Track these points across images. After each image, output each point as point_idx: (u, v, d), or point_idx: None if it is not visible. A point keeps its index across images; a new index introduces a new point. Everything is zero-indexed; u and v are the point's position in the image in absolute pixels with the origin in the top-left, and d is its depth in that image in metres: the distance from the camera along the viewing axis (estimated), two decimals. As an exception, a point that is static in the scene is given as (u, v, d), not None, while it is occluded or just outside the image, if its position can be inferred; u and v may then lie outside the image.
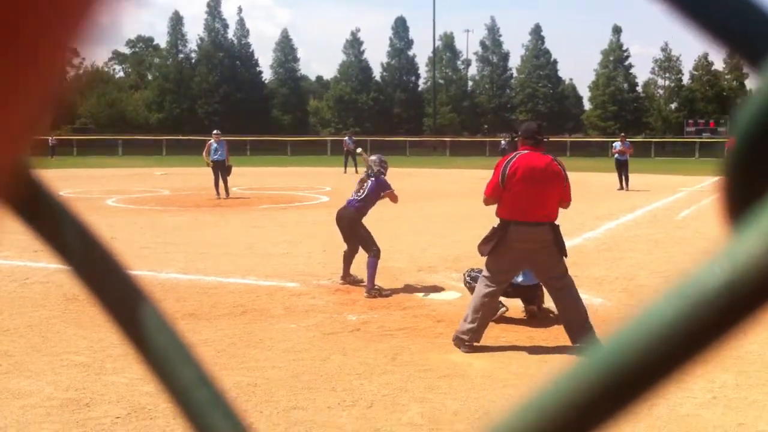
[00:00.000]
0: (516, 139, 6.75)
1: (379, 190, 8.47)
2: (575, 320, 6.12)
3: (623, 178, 23.38)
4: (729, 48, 0.29)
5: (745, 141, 0.27)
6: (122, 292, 0.46)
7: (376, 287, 7.98)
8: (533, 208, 6.10)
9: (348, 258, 8.49)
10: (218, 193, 19.61)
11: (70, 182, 24.59)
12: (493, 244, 6.16)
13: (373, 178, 8.54)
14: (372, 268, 7.99)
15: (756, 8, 0.29)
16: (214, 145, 19.59)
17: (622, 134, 26.83)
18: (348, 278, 8.49)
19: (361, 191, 8.48)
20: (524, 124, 6.68)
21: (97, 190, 22.51)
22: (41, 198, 0.45)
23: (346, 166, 32.67)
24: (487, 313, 6.22)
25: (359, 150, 11.60)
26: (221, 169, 19.61)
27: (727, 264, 0.26)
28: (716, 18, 0.29)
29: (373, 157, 8.92)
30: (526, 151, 6.25)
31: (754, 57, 0.29)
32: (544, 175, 6.15)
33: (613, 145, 25.10)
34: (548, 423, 0.29)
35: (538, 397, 0.30)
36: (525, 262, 6.38)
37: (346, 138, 35.05)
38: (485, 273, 6.27)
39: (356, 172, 27.85)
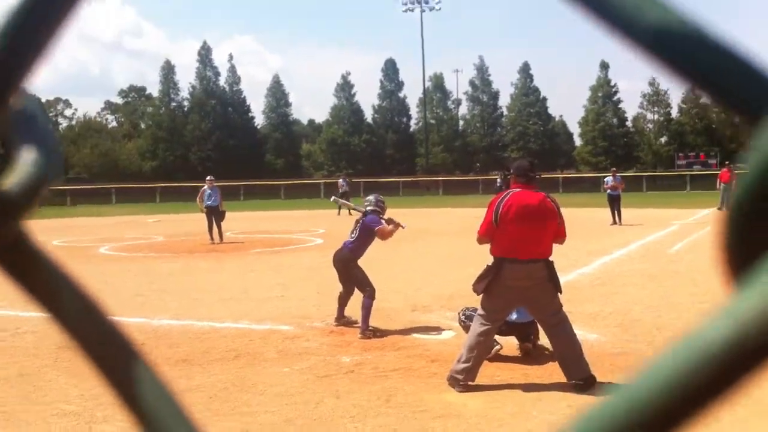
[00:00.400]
0: (509, 177, 6.75)
1: (368, 228, 8.47)
2: (570, 356, 6.11)
3: (616, 213, 23.48)
4: (728, 107, 0.31)
5: (744, 202, 0.29)
6: (120, 360, 0.46)
7: (370, 328, 7.95)
8: (527, 245, 6.10)
9: (343, 300, 8.47)
10: (212, 238, 19.74)
11: (62, 232, 24.56)
12: (487, 282, 6.16)
13: (364, 218, 8.57)
14: (367, 309, 7.97)
15: (756, 70, 0.30)
16: (208, 191, 19.86)
17: (613, 169, 26.78)
18: (342, 320, 8.46)
19: (354, 232, 8.51)
20: (516, 161, 6.70)
21: (89, 239, 22.47)
22: (42, 270, 0.46)
23: (339, 209, 32.68)
24: (482, 351, 6.20)
25: (333, 198, 11.71)
26: (215, 215, 19.86)
27: (729, 320, 0.27)
28: (716, 78, 0.30)
29: (370, 197, 8.95)
30: (518, 189, 6.27)
31: (752, 117, 0.30)
32: (538, 212, 6.16)
33: (605, 180, 25.04)
34: None
35: None
36: (519, 300, 6.38)
37: (341, 180, 35.18)
38: (480, 312, 6.26)
39: (350, 213, 27.85)
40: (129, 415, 0.45)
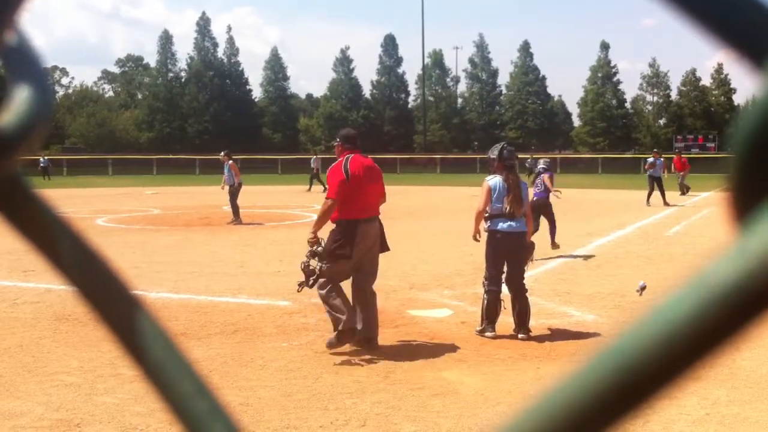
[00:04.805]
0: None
1: None
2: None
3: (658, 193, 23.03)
4: (731, 48, 0.29)
5: (751, 142, 0.28)
6: (119, 303, 0.45)
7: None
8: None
9: None
10: (236, 217, 18.11)
11: (59, 202, 24.41)
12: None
13: None
14: None
15: (761, 7, 0.29)
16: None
17: (655, 150, 24.66)
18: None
19: None
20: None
21: (86, 210, 22.42)
22: (36, 210, 0.45)
23: (310, 185, 33.17)
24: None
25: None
26: (230, 193, 18.29)
27: (736, 261, 0.27)
28: (720, 17, 0.29)
29: None
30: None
31: (757, 57, 0.29)
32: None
33: (647, 161, 22.94)
34: (566, 419, 0.29)
35: (549, 396, 0.30)
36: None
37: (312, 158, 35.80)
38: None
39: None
40: (133, 365, 0.44)
